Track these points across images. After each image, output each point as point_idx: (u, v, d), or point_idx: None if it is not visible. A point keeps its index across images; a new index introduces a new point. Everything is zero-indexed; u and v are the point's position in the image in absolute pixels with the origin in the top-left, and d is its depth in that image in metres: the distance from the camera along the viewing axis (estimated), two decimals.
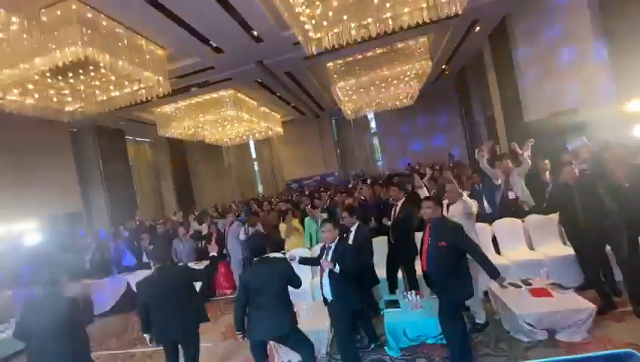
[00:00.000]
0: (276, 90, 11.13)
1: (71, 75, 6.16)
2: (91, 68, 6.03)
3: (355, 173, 15.24)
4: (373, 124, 18.00)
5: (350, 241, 3.61)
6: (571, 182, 3.46)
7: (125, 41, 5.63)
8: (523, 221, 4.53)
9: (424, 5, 5.41)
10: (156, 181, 15.06)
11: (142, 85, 6.61)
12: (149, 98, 6.74)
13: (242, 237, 5.58)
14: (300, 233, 5.51)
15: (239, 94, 10.60)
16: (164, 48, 6.77)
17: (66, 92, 6.69)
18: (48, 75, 5.77)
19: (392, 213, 4.21)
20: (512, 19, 8.19)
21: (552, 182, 4.44)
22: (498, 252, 4.49)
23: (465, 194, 3.92)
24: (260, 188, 19.28)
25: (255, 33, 6.95)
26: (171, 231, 6.99)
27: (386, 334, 3.33)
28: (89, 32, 4.80)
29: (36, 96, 6.25)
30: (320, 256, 3.15)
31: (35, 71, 4.98)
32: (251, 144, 19.21)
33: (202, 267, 3.76)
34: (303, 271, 4.66)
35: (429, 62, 9.20)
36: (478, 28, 8.82)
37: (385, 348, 3.35)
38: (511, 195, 4.72)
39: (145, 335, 2.99)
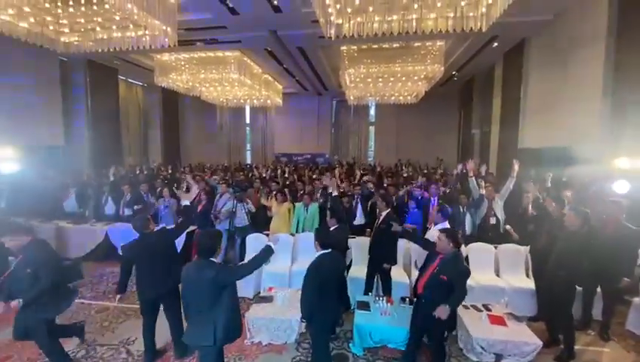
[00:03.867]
0: (284, 62, 10.81)
1: (71, 3, 5.78)
2: (95, 1, 5.69)
3: (344, 160, 15.27)
4: (372, 112, 17.93)
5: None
6: (573, 228, 3.30)
7: None
8: (496, 248, 4.77)
9: (451, 15, 5.36)
10: (144, 127, 14.59)
11: (147, 32, 6.26)
12: (152, 46, 6.42)
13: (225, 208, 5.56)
14: (288, 219, 5.51)
15: (245, 58, 10.23)
16: None
17: (64, 22, 6.26)
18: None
19: (377, 219, 4.28)
20: (531, 44, 8.18)
21: (533, 216, 4.63)
22: None
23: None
24: (248, 156, 19.08)
25: (275, 2, 6.65)
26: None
27: (354, 332, 3.56)
28: None
29: (32, 20, 5.82)
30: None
31: None
32: (247, 109, 18.76)
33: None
34: (282, 257, 4.82)
35: (441, 66, 9.13)
36: (496, 44, 8.80)
37: (350, 344, 3.59)
38: (492, 220, 4.96)
39: (118, 295, 3.14)
